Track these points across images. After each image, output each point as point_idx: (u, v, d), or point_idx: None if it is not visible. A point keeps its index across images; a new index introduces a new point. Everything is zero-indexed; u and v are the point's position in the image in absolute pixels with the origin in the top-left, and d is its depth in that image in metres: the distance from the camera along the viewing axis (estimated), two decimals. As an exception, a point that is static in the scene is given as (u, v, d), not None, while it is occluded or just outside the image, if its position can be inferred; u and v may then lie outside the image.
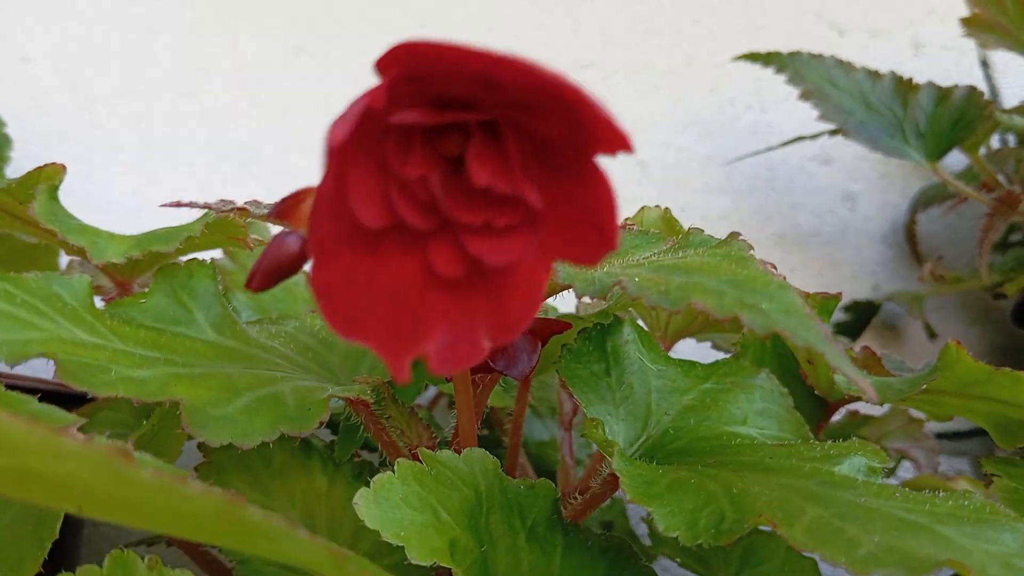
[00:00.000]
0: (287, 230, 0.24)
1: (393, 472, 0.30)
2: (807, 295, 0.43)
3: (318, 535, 0.39)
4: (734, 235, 0.30)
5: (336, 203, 0.21)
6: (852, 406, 0.58)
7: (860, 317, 0.80)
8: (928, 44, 0.93)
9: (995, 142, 0.80)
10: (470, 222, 0.21)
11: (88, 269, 0.46)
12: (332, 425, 0.44)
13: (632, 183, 0.85)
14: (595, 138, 0.20)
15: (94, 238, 0.36)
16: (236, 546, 0.21)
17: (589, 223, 0.21)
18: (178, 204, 0.28)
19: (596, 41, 0.87)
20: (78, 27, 0.82)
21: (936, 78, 0.86)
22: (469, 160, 0.20)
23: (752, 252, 0.28)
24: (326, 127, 0.19)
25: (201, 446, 0.37)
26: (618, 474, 0.28)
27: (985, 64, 0.94)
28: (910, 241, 0.81)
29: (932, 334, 0.78)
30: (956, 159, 0.80)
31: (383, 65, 0.19)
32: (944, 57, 0.92)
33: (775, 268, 0.26)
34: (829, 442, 0.33)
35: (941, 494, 0.28)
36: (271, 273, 0.24)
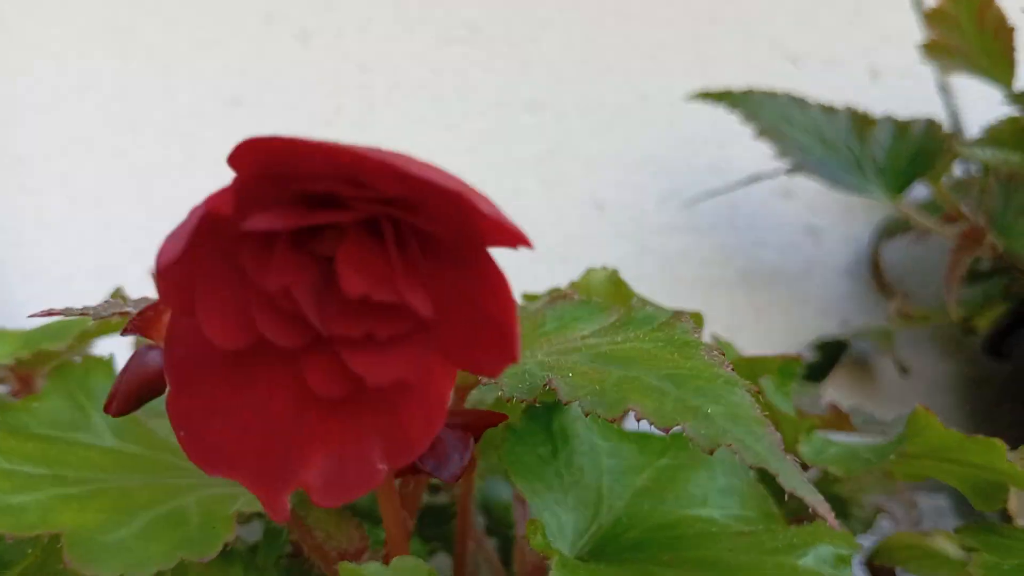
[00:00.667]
0: (148, 345, 0.21)
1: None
2: (766, 359, 0.40)
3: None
4: (678, 315, 0.27)
5: (189, 322, 0.17)
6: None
7: (829, 356, 0.77)
8: (885, 72, 0.91)
9: (958, 171, 0.78)
10: (348, 335, 0.18)
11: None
12: (262, 516, 0.40)
13: (590, 225, 0.82)
14: (486, 233, 0.17)
15: (-20, 335, 0.33)
16: None
17: (487, 322, 0.18)
18: (50, 313, 0.24)
19: (546, 81, 0.85)
20: (2, 83, 0.78)
21: (895, 106, 0.84)
22: (338, 266, 0.17)
23: (697, 335, 0.25)
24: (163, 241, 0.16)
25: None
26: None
27: (945, 90, 0.93)
28: (875, 273, 0.79)
29: (904, 370, 0.76)
30: (918, 189, 0.78)
31: (235, 162, 0.16)
32: (902, 84, 0.91)
33: (722, 355, 0.23)
34: (793, 528, 0.30)
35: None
36: (131, 395, 0.21)
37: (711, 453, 0.20)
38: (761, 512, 0.36)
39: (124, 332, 0.20)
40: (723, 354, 0.24)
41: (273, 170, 0.16)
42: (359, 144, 0.16)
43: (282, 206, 0.17)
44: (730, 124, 0.83)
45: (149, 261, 0.61)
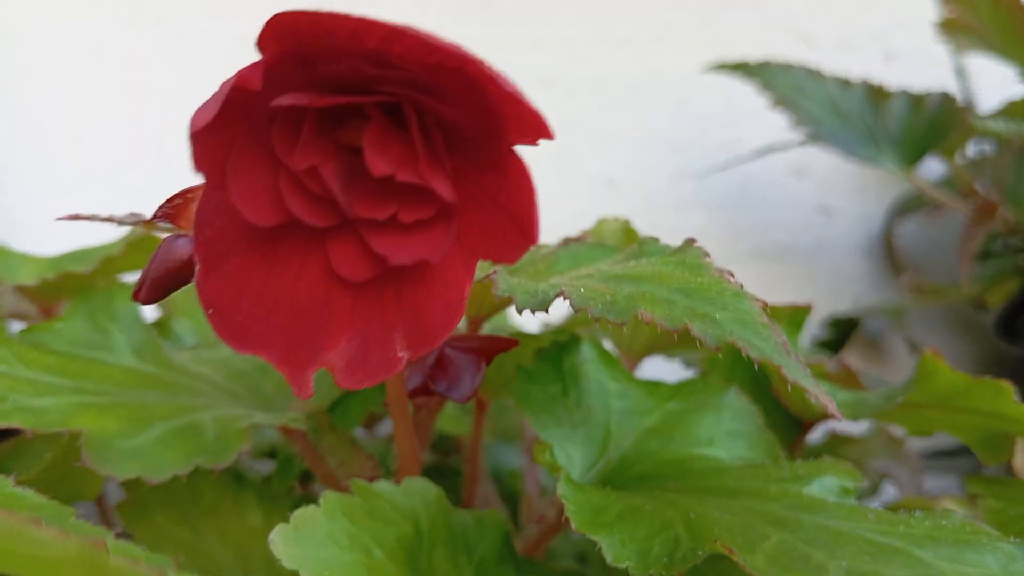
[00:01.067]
0: (176, 234, 0.22)
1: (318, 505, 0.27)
2: (776, 307, 0.41)
3: (254, 573, 0.36)
4: (689, 241, 0.27)
5: (223, 201, 0.18)
6: (833, 425, 0.56)
7: (840, 333, 0.77)
8: (900, 54, 0.91)
9: (973, 152, 0.78)
10: (373, 217, 0.18)
11: (10, 294, 0.43)
12: (274, 455, 0.41)
13: (601, 201, 0.82)
14: (508, 121, 0.17)
15: (5, 260, 0.34)
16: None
17: (508, 216, 0.18)
18: (77, 217, 0.25)
19: (558, 58, 0.85)
20: (17, 51, 0.79)
21: (909, 88, 0.84)
22: (365, 147, 0.18)
23: (708, 259, 0.26)
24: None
25: (126, 482, 0.34)
26: (563, 500, 0.25)
27: (960, 72, 0.93)
28: (888, 252, 0.80)
29: (915, 349, 0.76)
30: (934, 169, 0.79)
31: (263, 42, 0.17)
32: (916, 67, 0.91)
33: (732, 275, 0.24)
34: (799, 461, 0.31)
35: (919, 514, 0.26)
36: (159, 282, 0.21)
37: (718, 351, 0.21)
38: (769, 455, 0.36)
39: (153, 218, 0.20)
40: (732, 275, 0.24)
41: (301, 49, 0.17)
42: (368, 17, 0.16)
43: (309, 88, 0.18)
44: (741, 102, 0.83)
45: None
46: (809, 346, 0.76)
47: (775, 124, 0.72)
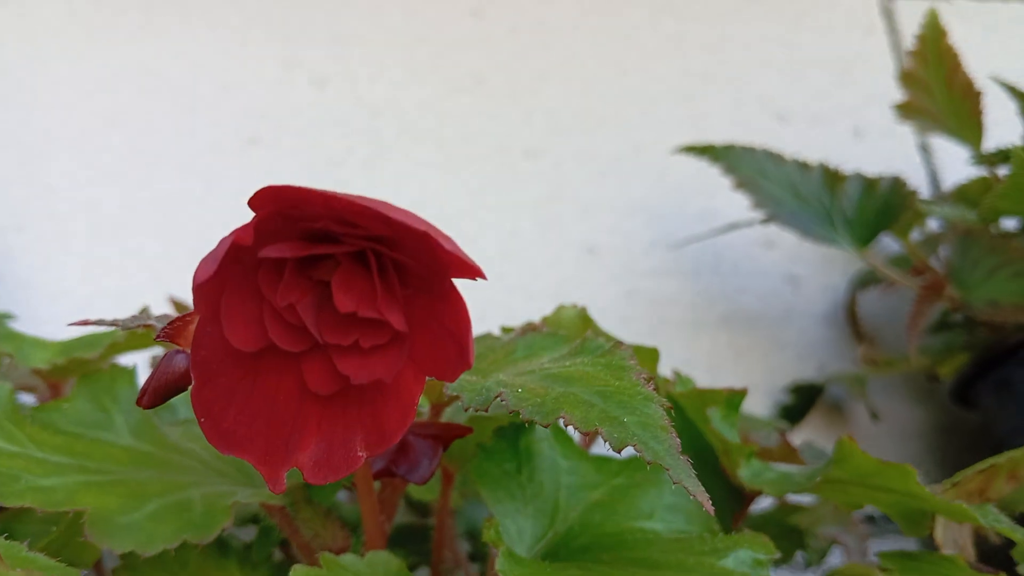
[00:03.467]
0: (176, 350, 0.26)
1: (291, 577, 0.31)
2: (714, 390, 0.45)
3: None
4: (617, 344, 0.31)
5: (214, 329, 0.22)
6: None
7: (804, 399, 0.81)
8: (868, 131, 0.97)
9: (934, 227, 0.83)
10: (338, 343, 0.22)
11: (26, 375, 0.47)
12: (257, 522, 0.45)
13: (583, 267, 0.87)
14: (449, 266, 0.22)
15: (20, 345, 0.38)
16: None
17: (450, 336, 0.22)
18: (85, 323, 0.29)
19: (546, 130, 0.90)
20: (37, 117, 0.84)
21: (877, 163, 0.89)
22: (334, 289, 0.22)
23: (631, 362, 0.30)
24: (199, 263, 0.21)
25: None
26: (500, 568, 0.29)
27: (924, 149, 0.98)
28: (851, 322, 0.84)
29: (875, 416, 0.80)
30: (892, 245, 0.83)
31: (254, 204, 0.21)
32: (884, 143, 0.96)
33: (646, 377, 0.28)
34: (721, 535, 0.34)
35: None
36: (160, 391, 0.25)
37: (619, 452, 0.25)
38: (706, 528, 0.40)
39: (157, 338, 0.24)
40: (650, 377, 0.28)
41: (284, 211, 0.21)
42: (351, 193, 0.21)
43: (290, 240, 0.22)
44: (717, 176, 0.88)
45: (166, 286, 0.66)
46: (773, 412, 0.80)
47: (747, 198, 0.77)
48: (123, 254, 0.82)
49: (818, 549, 0.59)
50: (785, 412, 0.80)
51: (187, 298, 0.63)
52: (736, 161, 0.71)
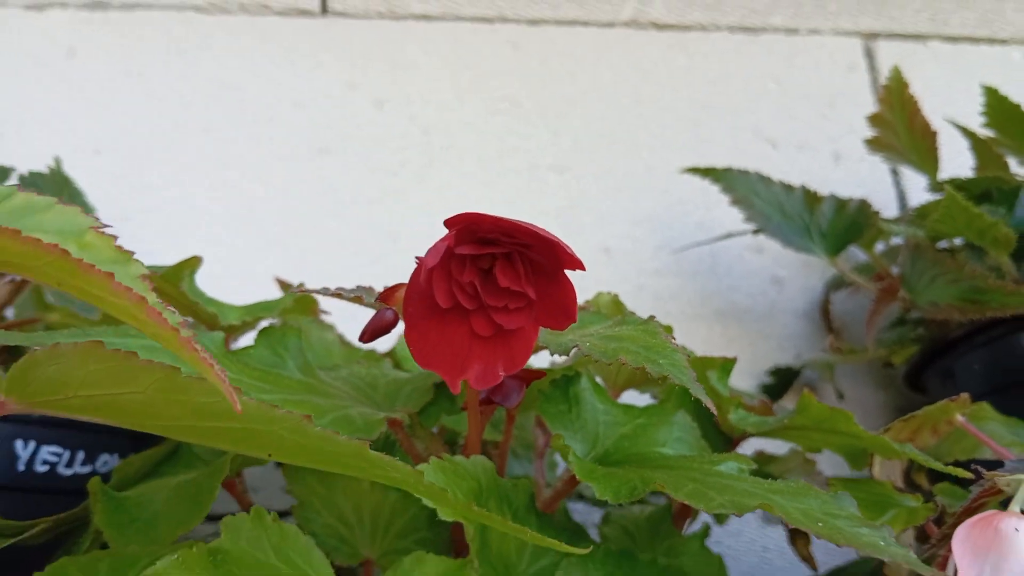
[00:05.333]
0: (384, 307, 0.41)
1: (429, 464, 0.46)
2: (712, 358, 0.60)
3: (364, 519, 0.55)
4: (651, 318, 0.46)
5: (422, 294, 0.37)
6: (761, 446, 0.75)
7: (783, 381, 0.96)
8: (847, 156, 1.12)
9: (899, 240, 0.98)
10: (495, 305, 0.38)
11: (193, 327, 0.62)
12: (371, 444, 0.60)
13: (599, 267, 1.02)
14: (563, 262, 0.37)
15: (220, 307, 0.53)
16: (359, 474, 0.37)
17: (560, 306, 0.38)
18: (308, 291, 0.44)
19: (570, 149, 1.05)
20: (139, 126, 0.99)
21: (854, 185, 1.05)
22: (496, 272, 0.37)
23: (660, 329, 0.45)
24: (422, 252, 0.36)
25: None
26: (572, 465, 0.44)
27: (895, 173, 1.14)
28: (825, 318, 0.99)
29: (840, 396, 0.95)
30: (862, 254, 0.99)
31: (450, 223, 0.36)
32: (861, 167, 1.12)
33: (674, 339, 0.43)
34: (714, 455, 0.50)
35: (780, 481, 0.45)
36: (375, 333, 0.40)
37: (661, 380, 0.40)
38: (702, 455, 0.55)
39: (379, 299, 0.39)
40: (674, 338, 0.43)
41: (469, 227, 0.36)
42: (509, 217, 0.36)
43: (470, 244, 0.37)
44: (714, 192, 1.03)
45: (247, 272, 0.82)
46: (757, 390, 0.96)
47: (739, 211, 0.92)
48: (208, 243, 0.97)
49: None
50: (766, 391, 0.95)
51: (288, 277, 0.78)
52: (733, 182, 0.86)
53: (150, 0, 1.02)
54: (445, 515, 0.45)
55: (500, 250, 0.37)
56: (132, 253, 0.31)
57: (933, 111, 0.98)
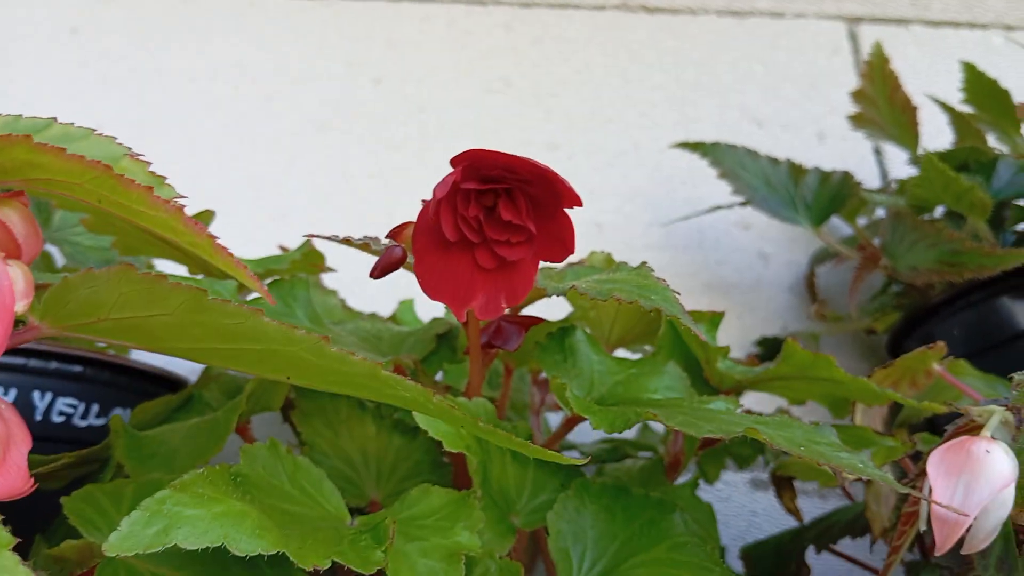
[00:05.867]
0: (394, 244, 0.43)
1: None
2: (702, 311, 0.63)
3: (370, 463, 0.57)
4: (643, 263, 0.49)
5: (430, 228, 0.40)
6: (747, 405, 0.78)
7: (770, 351, 0.99)
8: (831, 135, 1.15)
9: (882, 212, 1.01)
10: (498, 239, 0.40)
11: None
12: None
13: (591, 241, 1.04)
14: (562, 197, 0.40)
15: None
16: (372, 395, 0.39)
17: (559, 240, 0.40)
18: (317, 236, 0.47)
19: (563, 127, 1.08)
20: (146, 100, 1.01)
21: (837, 163, 1.08)
22: (499, 207, 0.40)
23: (652, 272, 0.48)
24: (432, 188, 0.39)
25: (295, 397, 0.56)
26: (570, 401, 0.47)
27: (877, 151, 1.17)
28: (810, 290, 1.02)
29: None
30: (847, 228, 1.02)
31: (456, 160, 0.39)
32: (843, 146, 1.15)
33: (664, 281, 0.46)
34: (703, 396, 0.53)
35: (765, 415, 0.48)
36: (385, 268, 0.43)
37: (652, 312, 0.42)
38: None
39: (387, 236, 0.42)
40: (665, 282, 0.46)
41: (473, 164, 0.39)
42: (506, 153, 0.38)
43: (474, 180, 0.39)
44: (702, 169, 1.06)
45: (257, 242, 0.85)
46: (744, 358, 0.98)
47: (726, 187, 0.95)
48: (217, 215, 0.99)
49: (774, 452, 0.77)
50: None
51: (288, 244, 0.80)
52: (720, 156, 0.89)
53: (152, -20, 1.04)
54: (450, 445, 0.47)
55: (502, 186, 0.40)
56: (165, 177, 0.33)
57: (915, 93, 1.02)
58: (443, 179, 0.39)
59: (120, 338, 0.38)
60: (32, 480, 0.33)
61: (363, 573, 0.38)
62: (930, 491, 0.44)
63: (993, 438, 0.45)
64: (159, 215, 0.30)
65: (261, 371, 0.40)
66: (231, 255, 0.30)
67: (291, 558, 0.36)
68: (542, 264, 0.45)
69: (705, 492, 0.97)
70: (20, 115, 0.36)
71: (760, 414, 0.77)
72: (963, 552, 0.44)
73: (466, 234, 0.40)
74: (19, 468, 0.33)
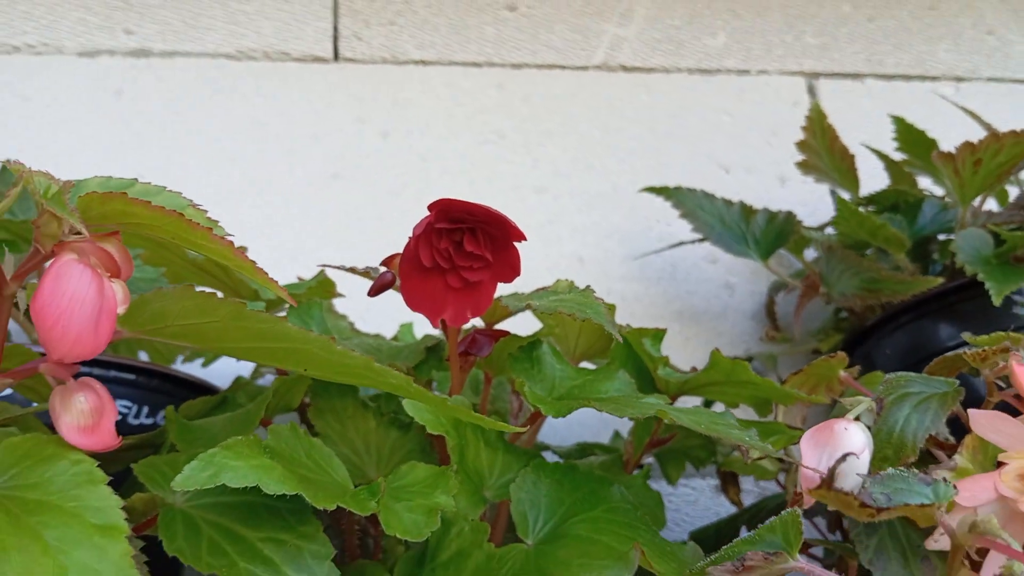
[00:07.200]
0: (386, 270, 0.57)
1: (421, 394, 0.61)
2: (647, 328, 0.76)
3: (371, 451, 0.70)
4: (588, 288, 0.62)
5: (412, 257, 0.53)
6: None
7: (732, 371, 1.11)
8: (791, 179, 1.28)
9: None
10: (464, 265, 0.53)
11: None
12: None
13: (573, 273, 1.17)
14: (511, 234, 0.53)
15: (260, 286, 0.68)
16: (368, 383, 0.52)
17: (510, 266, 0.54)
18: (351, 269, 0.60)
19: (549, 173, 1.22)
20: (176, 156, 1.15)
21: (797, 203, 1.20)
22: (464, 242, 0.53)
23: (594, 293, 0.61)
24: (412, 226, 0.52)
25: (311, 397, 0.69)
26: (528, 396, 0.60)
27: (832, 192, 1.29)
28: (770, 317, 1.14)
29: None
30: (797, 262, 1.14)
31: (431, 207, 0.52)
32: (803, 188, 1.27)
33: (605, 302, 0.59)
34: (643, 395, 0.65)
35: (683, 406, 0.60)
36: (380, 288, 0.56)
37: (583, 321, 0.55)
38: (637, 402, 0.71)
39: (381, 264, 0.55)
40: (603, 301, 0.59)
41: (443, 209, 0.52)
42: (471, 201, 0.52)
43: (445, 221, 0.53)
44: (672, 208, 1.19)
45: (277, 279, 0.98)
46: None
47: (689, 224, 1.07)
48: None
49: (724, 453, 0.89)
50: (717, 379, 1.10)
51: (305, 275, 0.94)
52: (682, 198, 1.02)
53: (188, 48, 1.19)
54: (432, 428, 0.60)
55: (466, 225, 0.53)
56: (218, 221, 0.47)
57: (869, 140, 1.15)
58: (420, 220, 0.52)
59: (181, 339, 0.51)
60: (120, 439, 0.46)
61: (361, 514, 0.50)
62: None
63: (857, 419, 0.57)
64: (216, 247, 0.43)
65: (285, 364, 0.53)
66: (266, 273, 0.43)
67: (307, 500, 0.49)
68: (513, 287, 0.58)
69: (676, 495, 1.09)
70: (111, 176, 0.49)
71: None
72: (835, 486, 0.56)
73: (439, 262, 0.53)
74: (110, 430, 0.46)
